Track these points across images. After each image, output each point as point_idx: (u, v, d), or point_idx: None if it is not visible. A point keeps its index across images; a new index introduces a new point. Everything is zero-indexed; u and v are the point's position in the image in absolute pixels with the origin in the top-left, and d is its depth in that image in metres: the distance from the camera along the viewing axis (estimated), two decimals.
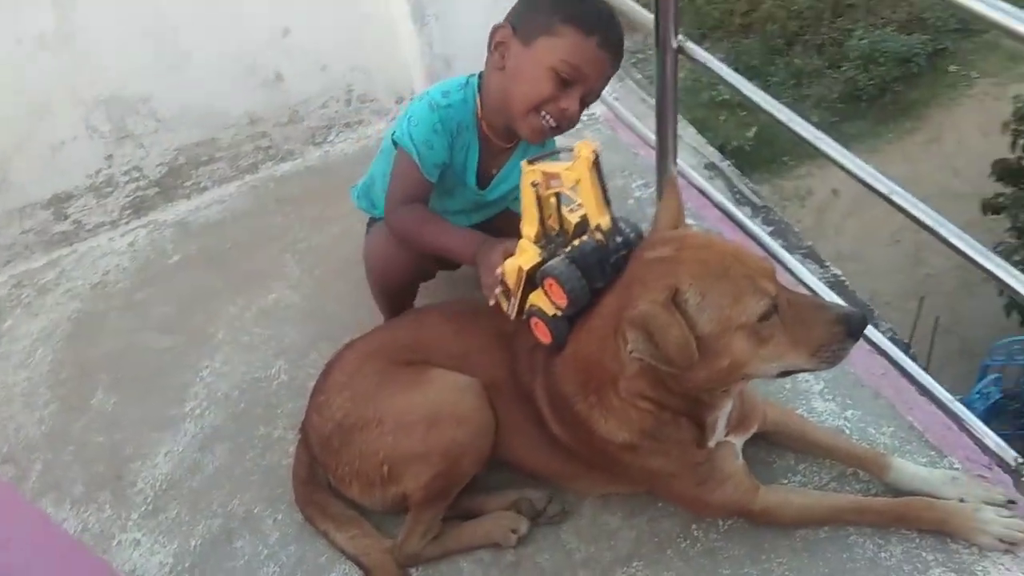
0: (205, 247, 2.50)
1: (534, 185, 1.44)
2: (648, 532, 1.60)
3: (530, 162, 1.45)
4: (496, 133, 1.78)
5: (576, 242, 1.42)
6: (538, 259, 1.46)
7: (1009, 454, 1.39)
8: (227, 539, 1.73)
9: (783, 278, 1.48)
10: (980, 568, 1.46)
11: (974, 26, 10.59)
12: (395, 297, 1.93)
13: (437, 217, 1.74)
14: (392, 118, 2.80)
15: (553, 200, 1.46)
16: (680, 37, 1.74)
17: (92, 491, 1.86)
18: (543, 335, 1.48)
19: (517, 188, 1.88)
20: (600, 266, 1.39)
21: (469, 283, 2.05)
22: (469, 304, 1.76)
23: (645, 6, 2.03)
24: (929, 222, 1.36)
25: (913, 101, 10.01)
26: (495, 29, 1.70)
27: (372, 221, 2.00)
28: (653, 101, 2.64)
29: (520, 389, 1.58)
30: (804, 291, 1.73)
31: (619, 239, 1.39)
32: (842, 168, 1.50)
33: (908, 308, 7.68)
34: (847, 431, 1.69)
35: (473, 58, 2.42)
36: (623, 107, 2.40)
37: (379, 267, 1.88)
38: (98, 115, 2.44)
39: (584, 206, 1.41)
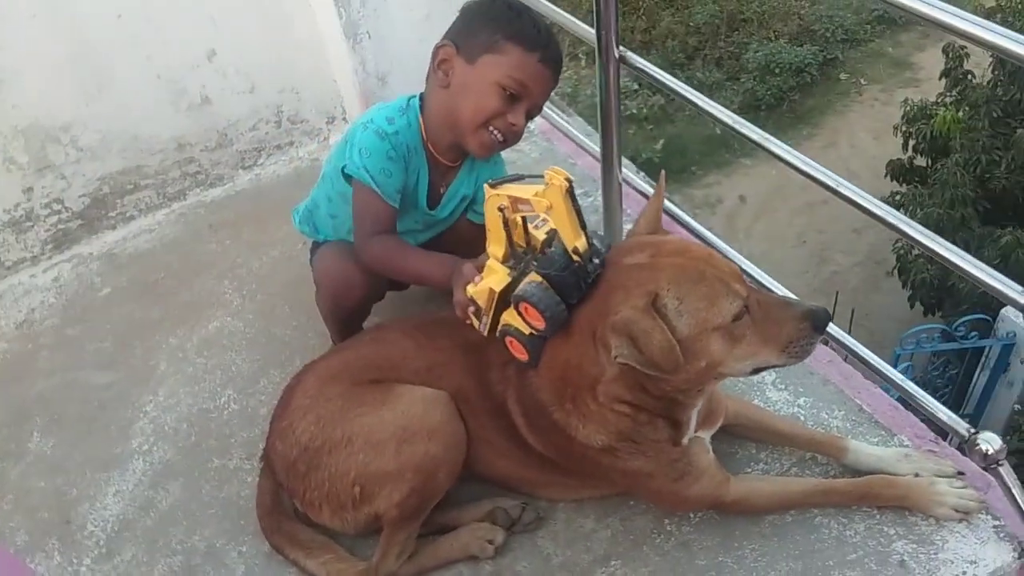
0: (136, 278, 2.40)
1: (501, 209, 1.43)
2: (623, 531, 1.62)
3: (492, 185, 1.44)
4: (442, 153, 1.79)
5: (544, 256, 1.41)
6: (508, 279, 1.46)
7: (962, 426, 1.47)
8: None
9: None
10: (939, 537, 1.54)
11: (860, 36, 11.25)
12: (347, 319, 1.90)
13: (408, 245, 1.75)
14: (324, 139, 2.77)
15: (519, 219, 1.46)
16: (621, 48, 1.79)
17: (38, 538, 1.76)
18: (519, 353, 1.47)
19: (464, 204, 1.90)
20: (577, 286, 1.39)
21: (418, 301, 2.05)
22: (429, 317, 1.76)
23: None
24: (874, 209, 1.43)
25: (809, 108, 10.51)
26: (437, 48, 1.72)
27: (316, 245, 1.96)
28: (575, 115, 2.71)
29: (491, 400, 1.58)
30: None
31: (596, 260, 1.39)
32: (789, 165, 1.56)
33: (820, 304, 8.00)
34: (802, 418, 1.76)
35: (408, 74, 2.44)
36: (559, 118, 2.44)
37: (333, 289, 1.85)
38: (15, 146, 2.32)
39: (558, 229, 1.39)
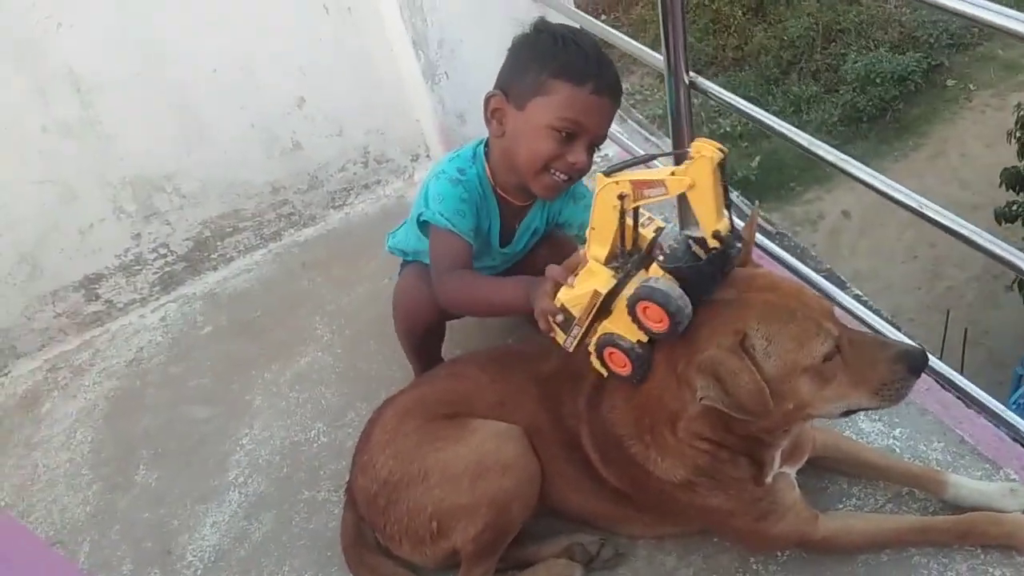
0: (235, 317, 2.53)
1: (621, 198, 1.30)
2: (705, 569, 1.57)
3: (607, 173, 1.31)
4: (512, 194, 1.80)
5: (668, 253, 1.33)
6: (613, 281, 1.34)
7: None
8: None
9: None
10: None
11: (967, 40, 10.72)
12: (422, 337, 1.93)
13: (481, 275, 1.74)
14: (409, 176, 2.86)
15: (629, 216, 1.33)
16: (691, 73, 1.77)
17: (141, 568, 1.86)
18: (620, 367, 1.39)
19: (535, 237, 1.89)
20: (714, 276, 1.31)
21: (497, 322, 2.07)
22: (503, 350, 1.77)
23: (650, 46, 2.08)
24: (962, 231, 1.35)
25: (914, 118, 10.07)
26: (488, 98, 1.70)
27: (403, 265, 2.01)
28: (655, 138, 2.69)
29: (564, 433, 1.57)
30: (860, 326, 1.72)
31: (738, 245, 1.31)
32: (867, 185, 1.51)
33: (932, 323, 7.60)
34: (897, 450, 1.67)
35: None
36: (632, 143, 2.43)
37: (405, 305, 1.90)
38: (124, 196, 2.50)
39: (696, 212, 1.28)
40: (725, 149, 1.24)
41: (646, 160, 1.36)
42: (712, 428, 1.37)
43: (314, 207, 2.76)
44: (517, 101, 1.63)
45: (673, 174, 1.26)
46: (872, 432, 1.72)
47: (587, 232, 1.37)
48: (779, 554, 1.56)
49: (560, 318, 1.39)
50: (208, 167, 2.57)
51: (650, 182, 1.28)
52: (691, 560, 1.59)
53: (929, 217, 1.39)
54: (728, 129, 10.37)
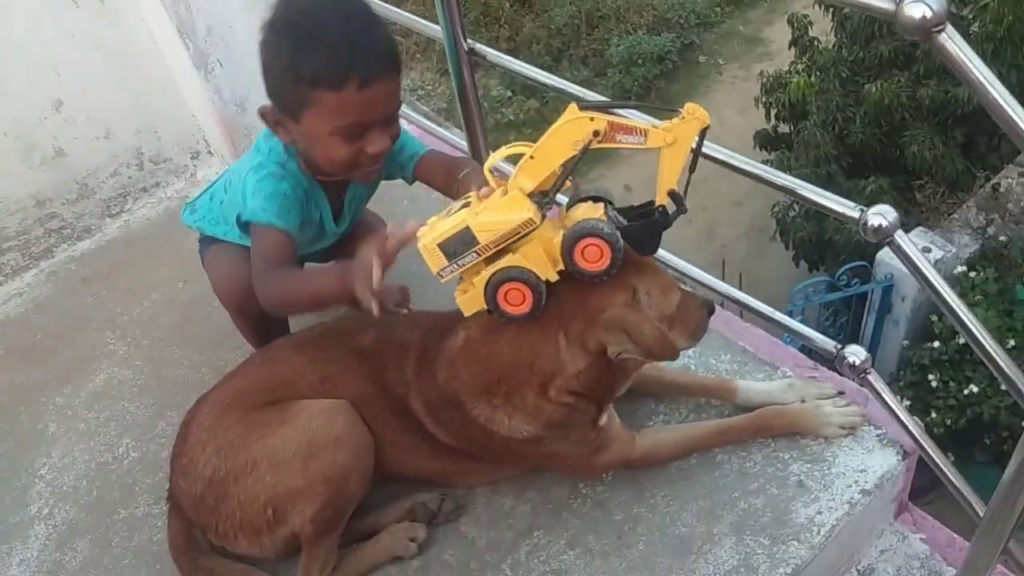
0: (12, 344, 2.29)
1: (595, 134, 1.26)
2: (541, 502, 1.66)
3: (583, 108, 1.27)
4: (327, 175, 1.69)
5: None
6: (540, 215, 1.31)
7: (829, 343, 1.58)
8: None
9: None
10: (829, 454, 1.65)
11: (712, 19, 11.77)
12: (259, 321, 1.79)
13: (297, 271, 1.63)
14: (191, 175, 2.72)
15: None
16: (469, 40, 1.84)
17: None
18: (515, 304, 1.36)
19: (364, 203, 1.83)
20: (659, 234, 1.35)
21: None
22: (318, 329, 1.74)
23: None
24: (745, 167, 1.49)
25: (675, 93, 10.89)
26: (261, 114, 1.59)
27: (203, 242, 1.89)
28: (445, 129, 2.74)
29: (392, 401, 1.59)
30: None
31: (682, 210, 1.34)
32: None
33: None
34: (692, 366, 1.84)
35: (263, 96, 2.41)
36: (422, 117, 2.46)
37: (234, 299, 1.77)
38: None
39: (663, 169, 1.30)
40: (709, 121, 1.27)
41: (627, 107, 1.34)
42: (585, 383, 1.44)
43: (87, 217, 2.55)
44: (290, 114, 1.52)
45: (664, 128, 1.27)
46: None
47: (523, 161, 1.32)
48: (605, 476, 1.67)
49: (450, 267, 1.34)
50: None
51: (630, 128, 1.27)
52: (527, 496, 1.67)
53: (720, 160, 1.51)
54: (512, 117, 10.72)
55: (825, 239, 6.87)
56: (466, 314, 1.42)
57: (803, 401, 1.70)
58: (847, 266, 6.49)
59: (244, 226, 1.67)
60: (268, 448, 1.53)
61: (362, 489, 1.57)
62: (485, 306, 1.39)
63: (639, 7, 11.59)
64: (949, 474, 1.49)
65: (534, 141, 1.34)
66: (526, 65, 1.88)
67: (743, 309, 1.84)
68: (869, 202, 1.26)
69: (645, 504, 1.62)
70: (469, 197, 1.38)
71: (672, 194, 1.34)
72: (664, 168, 1.32)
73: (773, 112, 8.00)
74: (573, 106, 1.27)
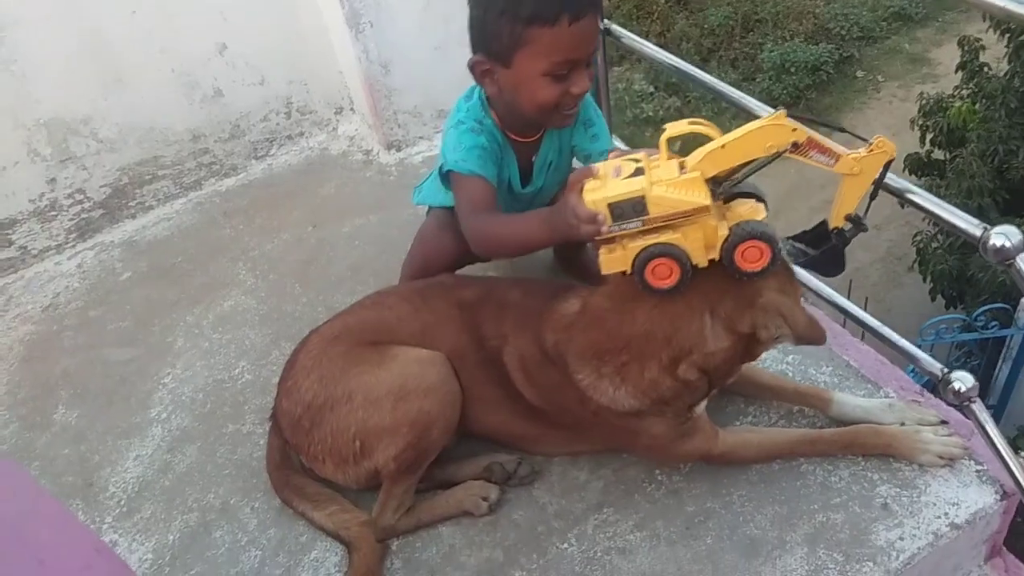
0: (155, 263, 2.51)
1: (794, 145, 1.29)
2: (615, 481, 1.68)
3: (788, 116, 1.30)
4: (521, 133, 1.80)
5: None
6: (712, 204, 1.31)
7: (935, 364, 1.52)
8: (206, 531, 1.74)
9: None
10: (922, 482, 1.58)
11: (876, 34, 11.22)
12: None
13: (506, 215, 1.74)
14: (332, 129, 2.89)
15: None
16: (605, 20, 1.86)
17: (63, 500, 1.85)
18: (662, 277, 1.37)
19: (552, 171, 1.87)
20: (838, 260, 1.42)
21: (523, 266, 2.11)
22: (426, 282, 1.83)
23: None
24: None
25: (826, 106, 10.49)
26: (472, 64, 1.69)
27: (429, 211, 2.02)
28: None
29: (485, 354, 1.64)
30: None
31: (862, 228, 1.39)
32: None
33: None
34: (790, 374, 1.81)
35: (409, 62, 2.54)
36: None
37: (424, 253, 1.92)
38: (39, 138, 2.45)
39: (844, 195, 1.36)
40: (895, 154, 1.32)
41: (829, 126, 1.40)
42: (718, 362, 1.45)
43: (236, 156, 2.75)
44: (501, 59, 1.62)
45: (853, 157, 1.31)
46: (768, 358, 1.84)
47: (710, 146, 1.33)
48: (682, 466, 1.67)
49: (600, 216, 1.33)
50: (126, 112, 2.54)
51: (826, 148, 1.30)
52: (602, 474, 1.69)
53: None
54: (651, 113, 10.61)
55: (968, 275, 6.46)
56: (603, 272, 1.42)
57: (902, 424, 1.64)
58: (987, 307, 6.08)
59: (446, 177, 1.76)
60: (364, 384, 1.61)
61: (444, 439, 1.64)
62: (626, 269, 1.39)
63: (799, 14, 11.21)
64: None
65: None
66: (657, 48, 1.88)
67: (845, 317, 1.79)
68: None
69: (720, 500, 1.61)
70: (639, 159, 1.38)
71: (849, 216, 1.38)
72: (845, 194, 1.36)
73: (929, 136, 7.59)
74: (782, 112, 1.31)
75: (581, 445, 1.72)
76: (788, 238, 1.43)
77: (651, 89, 10.79)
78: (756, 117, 1.74)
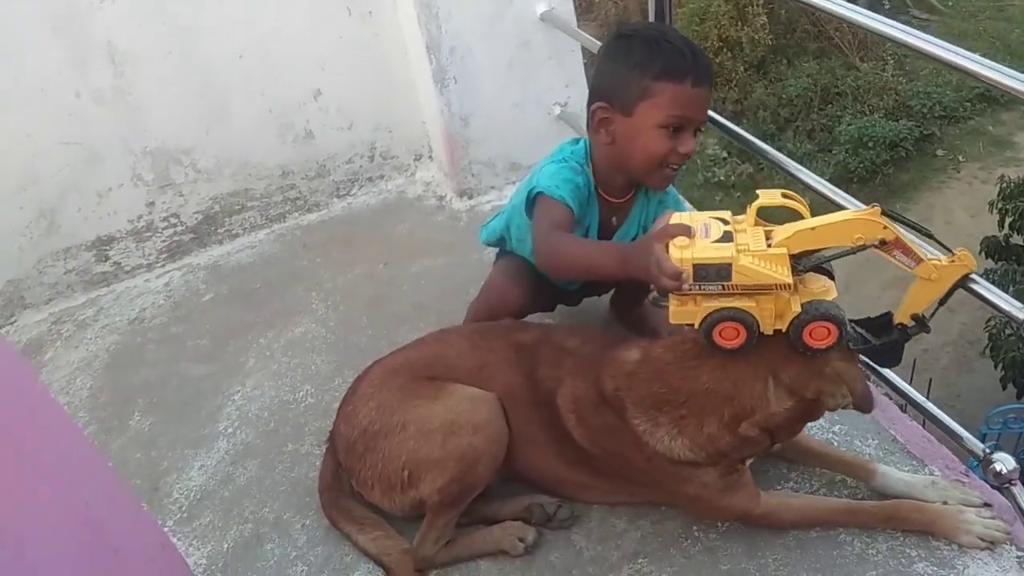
0: (236, 287, 2.68)
1: (881, 243, 1.34)
2: (652, 533, 1.71)
3: (884, 214, 1.35)
4: (611, 193, 1.89)
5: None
6: (790, 275, 1.35)
7: (978, 446, 1.53)
8: (258, 542, 1.84)
9: None
10: (960, 563, 1.57)
11: (959, 114, 11.08)
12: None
13: (581, 238, 1.82)
14: (411, 174, 3.04)
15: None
16: None
17: None
18: (729, 339, 1.42)
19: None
20: (897, 353, 1.47)
21: (579, 317, 2.19)
22: (487, 324, 1.92)
23: None
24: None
25: (903, 183, 10.38)
26: (593, 110, 1.79)
27: (500, 254, 2.12)
28: None
29: (538, 394, 1.70)
30: None
31: (924, 329, 1.44)
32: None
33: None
34: (835, 443, 1.82)
35: (488, 116, 2.69)
36: None
37: (489, 300, 1.99)
38: (144, 165, 2.66)
39: (916, 296, 1.41)
40: (976, 268, 1.38)
41: (919, 229, 1.43)
42: (778, 423, 1.50)
43: (319, 194, 2.93)
44: (623, 108, 1.73)
45: (934, 262, 1.36)
46: (814, 427, 1.85)
47: (801, 225, 1.38)
48: (720, 524, 1.70)
49: (686, 275, 1.37)
50: (224, 146, 2.74)
51: (910, 251, 1.35)
52: (640, 524, 1.73)
53: None
54: (722, 178, 10.67)
55: None
56: (672, 321, 1.45)
57: (944, 503, 1.64)
58: None
59: (532, 203, 1.80)
60: (418, 416, 1.70)
61: (489, 475, 1.70)
62: (693, 324, 1.43)
63: (880, 90, 11.17)
64: None
65: (743, 205, 1.44)
66: (722, 120, 1.95)
67: (902, 399, 1.80)
68: None
69: (755, 562, 1.63)
70: (727, 220, 1.43)
71: (915, 316, 1.42)
72: (917, 295, 1.41)
73: (1008, 220, 7.44)
74: (877, 208, 1.35)
75: (620, 496, 1.76)
76: (851, 321, 1.47)
77: (724, 154, 10.85)
78: (817, 192, 1.81)
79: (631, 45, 1.74)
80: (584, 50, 2.70)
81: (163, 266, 2.81)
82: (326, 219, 2.94)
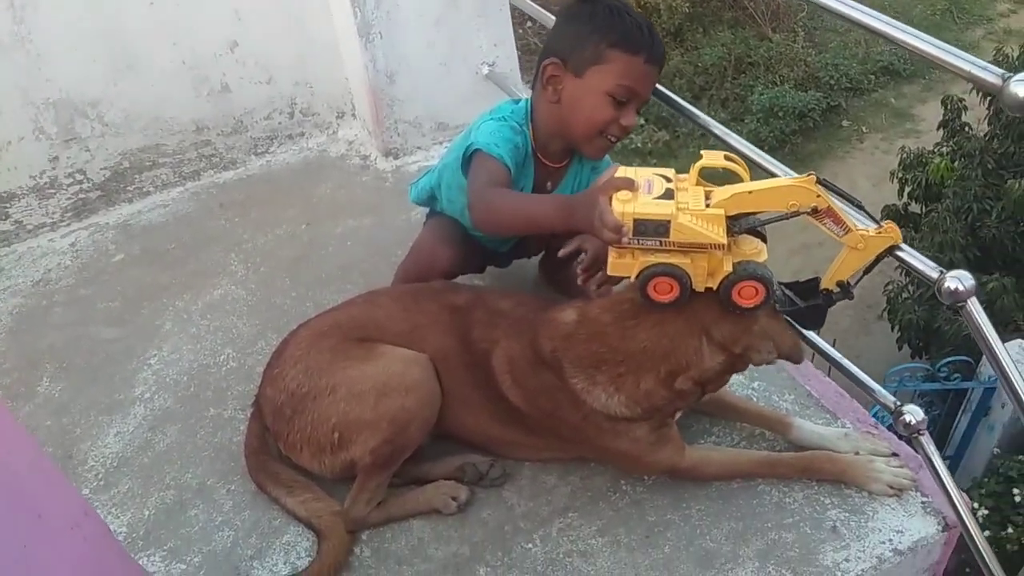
0: (148, 247, 2.57)
1: (813, 210, 1.39)
2: (581, 488, 1.75)
3: (818, 181, 1.39)
4: (549, 157, 1.89)
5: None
6: (725, 236, 1.40)
7: (889, 398, 1.61)
8: (181, 509, 1.79)
9: None
10: (870, 509, 1.67)
11: (864, 86, 11.50)
12: None
13: (518, 192, 1.80)
14: (332, 132, 2.96)
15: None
16: None
17: None
18: (663, 293, 1.46)
19: None
20: (820, 318, 1.51)
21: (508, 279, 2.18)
22: (417, 286, 1.90)
23: None
24: None
25: (810, 152, 10.72)
26: (544, 65, 1.78)
27: (430, 215, 2.09)
28: None
29: (471, 357, 1.71)
30: None
31: (848, 296, 1.49)
32: None
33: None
34: (754, 399, 1.90)
35: (413, 73, 2.63)
36: None
37: (418, 260, 1.97)
38: (46, 117, 2.50)
39: (843, 264, 1.46)
40: (901, 244, 1.42)
41: (853, 204, 1.47)
42: (710, 377, 1.56)
43: (236, 151, 2.82)
44: (575, 68, 1.74)
45: (861, 233, 1.41)
46: (734, 383, 1.91)
47: (739, 188, 1.42)
48: (646, 478, 1.75)
49: (625, 228, 1.40)
50: (134, 99, 2.60)
51: (840, 220, 1.40)
52: (570, 480, 1.76)
53: None
54: (640, 145, 10.78)
55: (934, 327, 6.63)
56: (609, 273, 1.49)
57: (856, 453, 1.73)
58: (951, 359, 6.25)
59: (468, 160, 1.78)
60: (348, 378, 1.68)
61: (420, 436, 1.70)
62: (629, 276, 1.47)
63: (791, 61, 11.46)
64: (987, 557, 1.50)
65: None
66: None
67: (813, 352, 1.88)
68: (988, 298, 1.31)
69: (679, 513, 1.69)
70: (670, 177, 1.46)
71: (840, 283, 1.48)
72: (843, 263, 1.46)
73: (907, 190, 7.80)
74: (812, 176, 1.40)
75: (554, 452, 1.79)
76: (780, 284, 1.53)
77: (641, 121, 10.95)
78: (743, 157, 1.85)
79: (594, 10, 1.75)
80: (513, 9, 2.67)
81: (68, 225, 2.67)
82: (244, 177, 2.84)
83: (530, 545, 1.65)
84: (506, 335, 1.68)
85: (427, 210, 2.12)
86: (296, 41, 2.74)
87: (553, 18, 2.20)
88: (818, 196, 1.38)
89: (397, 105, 2.68)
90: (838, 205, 1.41)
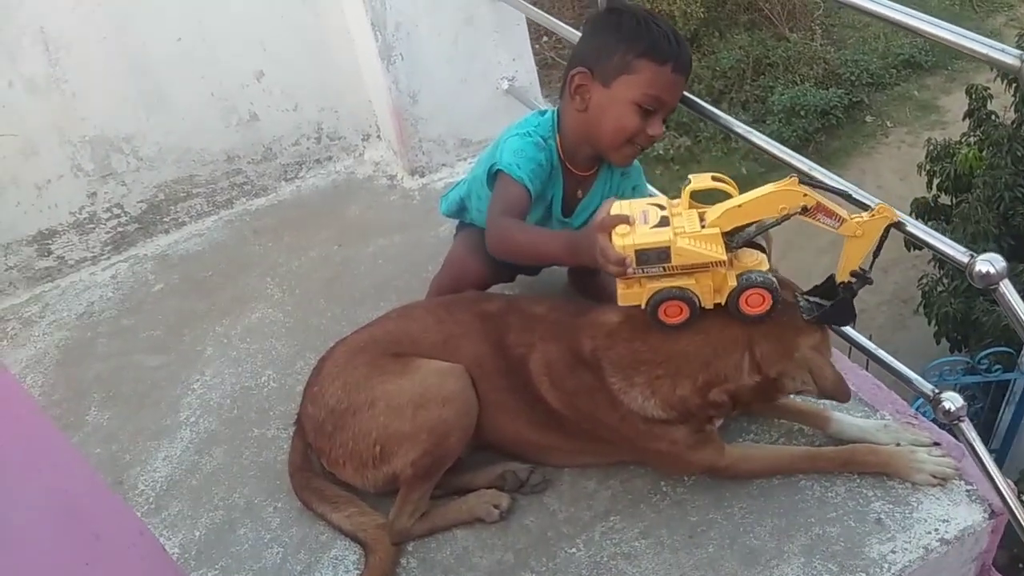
0: (186, 276, 2.63)
1: (804, 209, 1.42)
2: (622, 491, 1.76)
3: (801, 183, 1.43)
4: (578, 165, 1.91)
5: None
6: (724, 252, 1.45)
7: (927, 386, 1.61)
8: (230, 528, 1.83)
9: None
10: (914, 499, 1.66)
11: (886, 80, 11.42)
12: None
13: (532, 226, 1.84)
14: (359, 154, 3.02)
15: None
16: None
17: None
18: (672, 316, 1.51)
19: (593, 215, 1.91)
20: (848, 311, 1.53)
21: (539, 287, 2.21)
22: (450, 297, 1.93)
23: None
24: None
25: (835, 150, 10.66)
26: (572, 75, 1.80)
27: (460, 227, 2.13)
28: None
29: (507, 363, 1.72)
30: None
31: (868, 282, 1.51)
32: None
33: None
34: (790, 396, 1.89)
35: (436, 92, 2.68)
36: None
37: (452, 273, 2.01)
38: (83, 154, 2.58)
39: (848, 255, 1.48)
40: (899, 219, 1.44)
41: (835, 191, 1.49)
42: (746, 394, 1.58)
43: (267, 178, 2.89)
44: (603, 78, 1.76)
45: (856, 220, 1.44)
46: None
47: (729, 203, 1.46)
48: (686, 479, 1.75)
49: (630, 259, 1.45)
50: (166, 132, 2.68)
51: (833, 212, 1.43)
52: (610, 484, 1.77)
53: None
54: (661, 152, 10.77)
55: (972, 319, 6.54)
56: (620, 304, 1.55)
57: (897, 444, 1.73)
58: (991, 350, 6.15)
59: (493, 177, 1.82)
60: (386, 392, 1.71)
61: (460, 446, 1.72)
62: (640, 304, 1.52)
63: (810, 59, 11.42)
64: None
65: (682, 178, 1.49)
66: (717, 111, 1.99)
67: (850, 346, 1.88)
68: (1022, 287, 1.32)
69: (722, 512, 1.69)
70: (663, 205, 1.51)
71: (854, 272, 1.49)
72: (848, 254, 1.49)
73: (936, 182, 7.72)
74: (795, 178, 1.44)
75: (593, 456, 1.80)
76: (803, 294, 1.56)
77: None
78: (767, 154, 1.87)
79: (621, 20, 1.77)
80: (530, 24, 2.72)
81: (108, 258, 2.74)
82: (275, 203, 2.90)
83: (574, 550, 1.67)
84: (542, 338, 1.70)
85: (456, 224, 2.16)
86: (320, 68, 2.80)
87: (571, 30, 2.24)
88: (805, 195, 1.42)
89: (421, 124, 2.73)
90: (827, 199, 1.44)
